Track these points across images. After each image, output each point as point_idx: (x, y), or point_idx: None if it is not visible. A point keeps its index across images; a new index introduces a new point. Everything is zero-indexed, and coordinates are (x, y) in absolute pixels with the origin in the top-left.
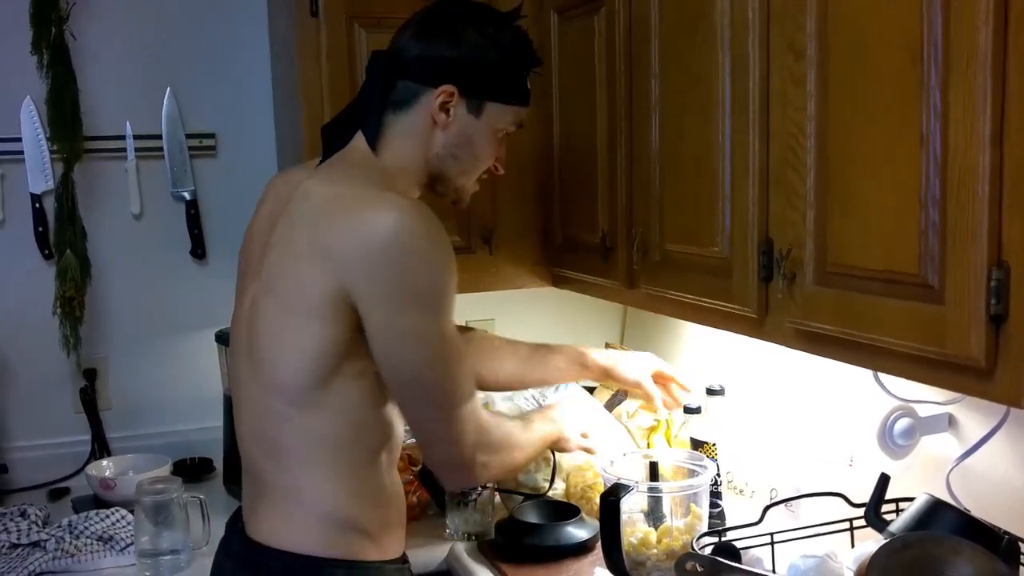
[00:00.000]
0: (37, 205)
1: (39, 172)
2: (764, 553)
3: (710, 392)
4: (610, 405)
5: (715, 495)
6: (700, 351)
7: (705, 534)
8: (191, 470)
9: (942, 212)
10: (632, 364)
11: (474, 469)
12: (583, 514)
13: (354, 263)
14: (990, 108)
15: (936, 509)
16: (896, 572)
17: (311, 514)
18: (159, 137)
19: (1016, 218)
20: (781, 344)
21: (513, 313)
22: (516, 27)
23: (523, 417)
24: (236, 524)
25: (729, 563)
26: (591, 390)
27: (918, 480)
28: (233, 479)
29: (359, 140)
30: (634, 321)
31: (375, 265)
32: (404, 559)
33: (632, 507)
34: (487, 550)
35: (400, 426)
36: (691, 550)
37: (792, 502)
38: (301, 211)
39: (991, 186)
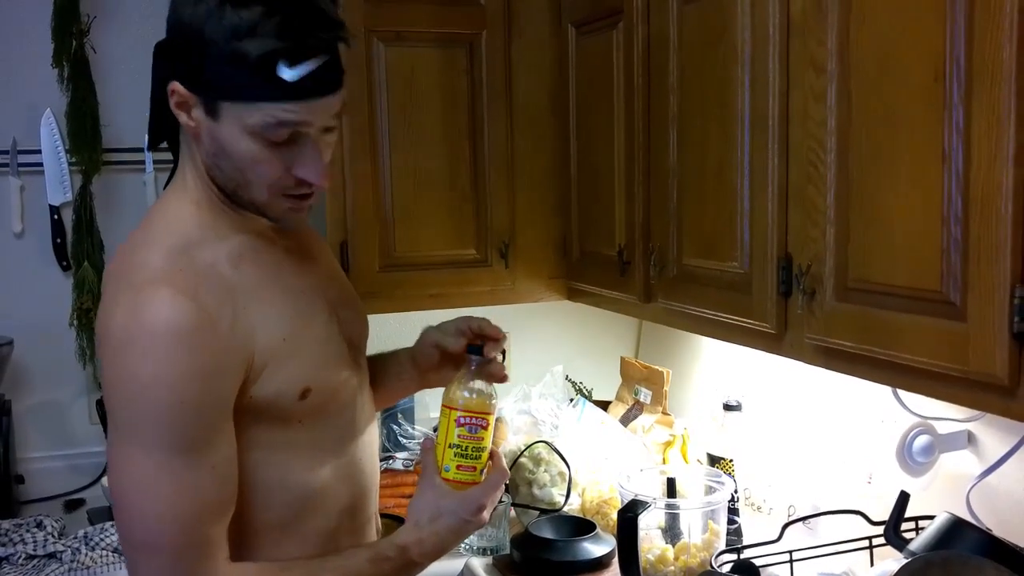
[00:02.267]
0: (55, 217)
1: (58, 184)
2: (783, 571)
3: (727, 407)
4: (625, 420)
5: (732, 511)
6: (717, 366)
7: (724, 551)
8: None
9: (964, 229)
10: (427, 336)
11: None
12: (599, 530)
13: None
14: (1014, 126)
15: (957, 528)
16: None
17: None
18: None
19: None
20: (800, 360)
21: (528, 326)
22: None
23: (336, 559)
24: None
25: None
26: (605, 406)
27: (938, 498)
28: None
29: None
30: (649, 335)
31: (101, 372)
32: None
33: (649, 523)
34: (502, 565)
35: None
36: (710, 568)
37: (811, 519)
38: None
39: (1014, 204)
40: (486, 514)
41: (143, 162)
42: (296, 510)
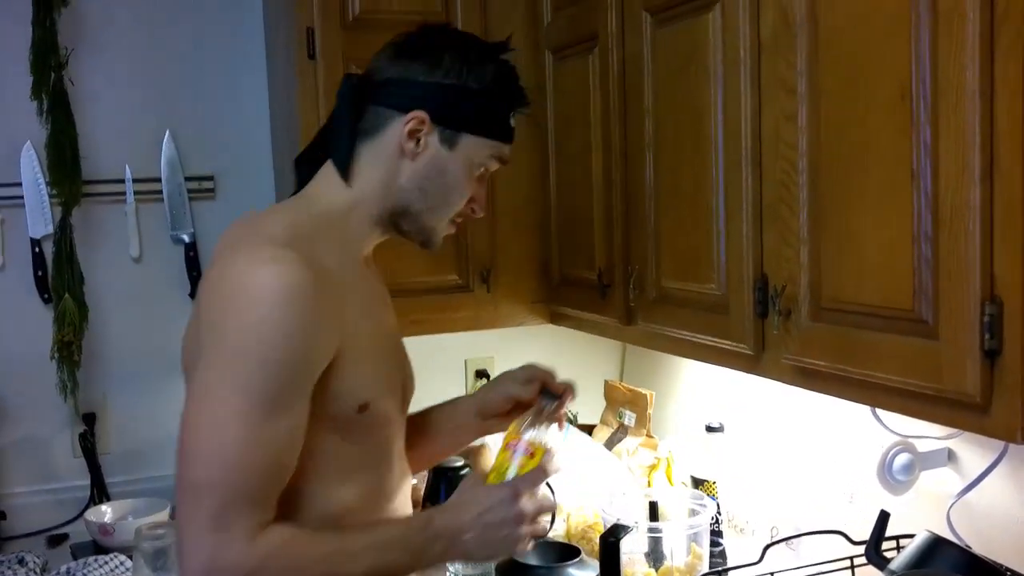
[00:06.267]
0: (36, 249)
1: (39, 217)
2: None
3: (709, 429)
4: (609, 444)
5: (716, 534)
6: (699, 388)
7: (706, 574)
8: None
9: (935, 248)
10: (499, 388)
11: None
12: (584, 555)
13: (200, 316)
14: (979, 144)
15: (937, 546)
16: None
17: None
18: (158, 180)
19: (1007, 253)
20: (778, 380)
21: (512, 351)
22: (502, 60)
23: (364, 528)
24: None
25: None
26: (590, 430)
27: (919, 516)
28: None
29: (322, 173)
30: (633, 358)
31: (206, 314)
32: None
33: (633, 548)
34: None
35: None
36: None
37: (793, 540)
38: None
39: (982, 221)
40: (524, 504)
41: (124, 193)
42: (324, 523)
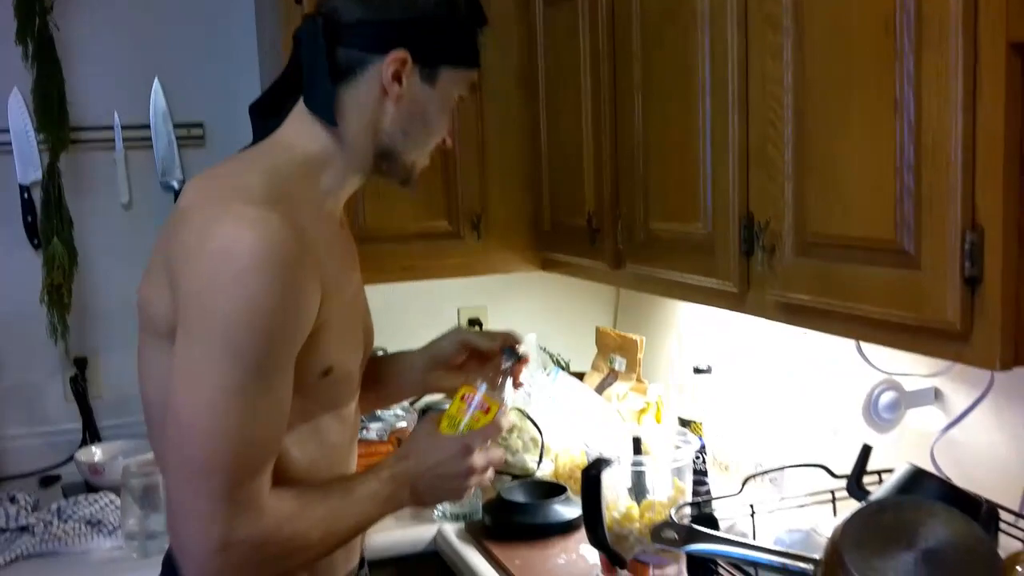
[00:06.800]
0: (26, 195)
1: (28, 163)
2: (745, 525)
3: (697, 371)
4: (600, 389)
5: (702, 473)
6: (690, 333)
7: (684, 504)
8: None
9: (917, 177)
10: (454, 335)
11: (216, 556)
12: (570, 493)
13: (179, 280)
14: (962, 74)
15: (918, 478)
16: (870, 535)
17: None
18: (147, 127)
19: (989, 181)
20: (763, 318)
21: (508, 300)
22: None
23: (343, 485)
24: None
25: (705, 530)
26: (581, 376)
27: (903, 453)
28: None
29: (294, 120)
30: (626, 305)
31: (189, 282)
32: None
33: (616, 483)
34: (475, 531)
35: (307, 454)
36: (669, 519)
37: (775, 475)
38: (169, 218)
39: (964, 150)
40: (474, 459)
41: (113, 140)
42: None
